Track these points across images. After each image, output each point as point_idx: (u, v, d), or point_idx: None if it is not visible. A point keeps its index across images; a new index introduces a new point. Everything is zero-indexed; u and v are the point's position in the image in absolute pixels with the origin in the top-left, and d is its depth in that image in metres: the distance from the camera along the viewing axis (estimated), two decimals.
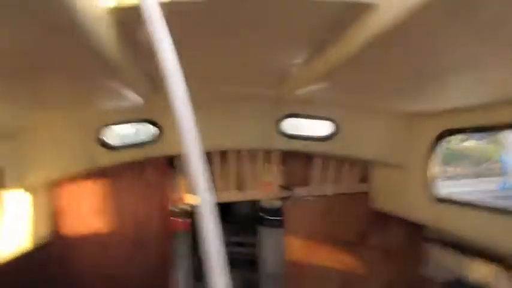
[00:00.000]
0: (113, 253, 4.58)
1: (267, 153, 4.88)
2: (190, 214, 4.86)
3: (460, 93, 3.21)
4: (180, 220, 4.89)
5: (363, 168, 5.00)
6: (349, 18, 2.05)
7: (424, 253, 4.86)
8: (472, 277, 4.11)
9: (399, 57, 2.41)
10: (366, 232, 5.00)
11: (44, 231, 4.39)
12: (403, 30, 1.90)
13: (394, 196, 4.67)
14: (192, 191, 1.27)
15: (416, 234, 4.88)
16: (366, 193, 5.02)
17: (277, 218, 5.37)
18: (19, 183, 3.81)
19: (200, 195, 1.27)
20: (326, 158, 4.94)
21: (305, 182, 5.01)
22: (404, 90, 3.35)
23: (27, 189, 3.90)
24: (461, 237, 3.76)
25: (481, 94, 3.12)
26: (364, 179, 5.03)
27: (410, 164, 4.26)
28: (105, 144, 4.27)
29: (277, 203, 5.23)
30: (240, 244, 8.31)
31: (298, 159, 4.99)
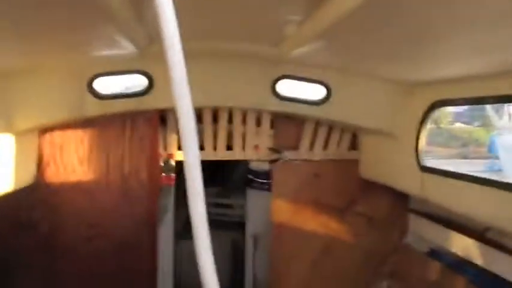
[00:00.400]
0: (98, 203, 4.56)
1: (259, 114, 4.85)
2: (178, 170, 4.84)
3: (455, 62, 3.17)
4: (166, 175, 4.88)
5: (353, 136, 5.00)
6: None
7: (408, 223, 4.94)
8: (452, 249, 4.19)
9: (396, 18, 2.35)
10: (352, 199, 5.03)
11: (29, 176, 4.36)
12: None
13: (382, 165, 4.68)
14: (180, 146, 1.27)
15: (402, 204, 4.94)
16: (354, 160, 5.03)
17: (266, 181, 5.39)
18: (5, 126, 3.75)
19: (187, 150, 1.28)
20: (317, 123, 4.92)
21: (295, 146, 5.00)
22: (399, 56, 3.30)
23: (13, 133, 3.83)
24: (444, 208, 3.78)
25: (477, 64, 3.07)
26: (353, 147, 5.03)
27: (400, 133, 4.24)
28: (95, 94, 4.19)
29: (266, 166, 5.24)
30: (228, 206, 8.38)
31: (289, 122, 4.97)
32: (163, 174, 4.84)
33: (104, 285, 4.56)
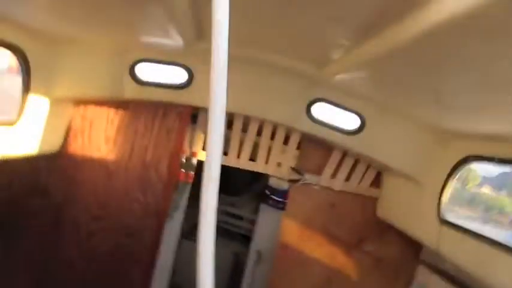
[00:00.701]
0: (114, 185, 4.57)
1: (288, 132, 4.81)
2: (198, 170, 4.83)
3: (496, 117, 3.06)
4: (185, 172, 4.88)
5: (377, 174, 4.90)
6: (404, 7, 1.94)
7: (415, 274, 4.78)
8: None
9: (445, 60, 2.29)
10: (363, 236, 4.92)
11: (55, 144, 4.42)
12: (457, 30, 1.78)
13: (401, 209, 4.56)
14: (205, 147, 1.31)
15: (413, 252, 4.79)
16: (374, 198, 4.93)
17: (281, 200, 5.33)
18: (44, 90, 3.82)
19: (210, 152, 1.27)
20: (345, 153, 4.85)
21: (317, 171, 4.93)
22: (439, 101, 3.22)
23: (50, 98, 3.89)
24: (458, 267, 3.64)
25: None
26: (375, 184, 4.93)
27: (426, 181, 4.13)
28: (135, 78, 4.24)
29: (285, 185, 5.18)
30: (238, 217, 8.33)
31: (316, 147, 4.91)
32: (182, 170, 4.84)
33: (102, 266, 4.55)
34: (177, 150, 4.62)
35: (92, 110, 4.57)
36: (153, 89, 4.38)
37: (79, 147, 4.56)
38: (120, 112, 4.59)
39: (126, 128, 4.59)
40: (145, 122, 4.60)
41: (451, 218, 3.81)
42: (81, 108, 4.56)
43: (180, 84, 4.34)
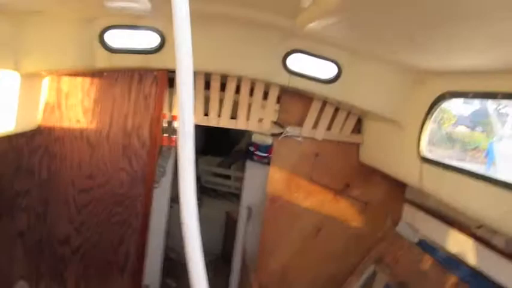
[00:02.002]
0: (98, 155, 4.46)
1: (267, 87, 4.71)
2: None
3: (471, 52, 2.99)
4: (167, 136, 4.78)
5: (358, 120, 4.87)
6: None
7: (401, 212, 4.85)
8: (442, 243, 4.11)
9: None
10: (348, 182, 4.93)
11: (33, 120, 4.26)
12: None
13: (383, 151, 4.56)
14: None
15: (397, 193, 4.84)
16: (356, 144, 4.92)
17: (266, 155, 5.30)
18: (13, 66, 3.63)
19: (182, 114, 1.23)
20: (324, 103, 4.79)
21: (299, 123, 4.88)
22: (414, 41, 3.13)
23: (20, 73, 3.71)
24: (440, 200, 3.67)
25: (493, 57, 2.90)
26: (356, 131, 4.91)
27: (405, 121, 4.11)
28: (105, 46, 4.06)
29: (268, 140, 5.13)
30: (227, 177, 8.33)
31: (295, 99, 4.84)
32: (165, 135, 4.74)
33: (95, 235, 4.50)
34: (157, 115, 4.50)
35: (66, 82, 4.40)
36: (125, 55, 4.21)
37: (57, 122, 4.41)
38: (95, 82, 4.42)
39: (103, 98, 4.44)
40: (121, 90, 4.44)
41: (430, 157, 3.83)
42: (55, 81, 4.38)
43: (152, 48, 4.18)
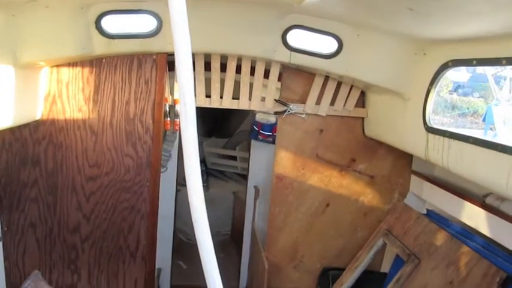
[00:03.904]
0: (103, 143, 4.35)
1: (268, 66, 4.56)
2: None
3: (472, 19, 2.84)
4: (170, 120, 4.66)
5: (361, 94, 4.73)
6: None
7: (409, 184, 4.76)
8: (450, 212, 4.03)
9: None
10: (354, 156, 4.82)
11: (35, 112, 4.14)
12: None
13: (388, 124, 4.44)
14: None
15: (404, 165, 4.74)
16: (360, 118, 4.78)
17: (270, 134, 5.20)
18: (11, 59, 3.49)
19: (183, 97, 1.21)
20: (326, 78, 4.64)
21: (302, 99, 4.73)
22: (413, 10, 2.98)
23: (18, 66, 3.57)
24: (447, 169, 3.57)
25: (495, 22, 2.76)
26: (360, 105, 4.77)
27: (409, 93, 3.96)
28: (102, 32, 3.90)
29: (272, 118, 5.01)
30: (233, 158, 8.24)
31: (297, 76, 4.69)
32: (167, 119, 4.62)
33: (104, 222, 4.43)
34: (159, 100, 4.37)
35: (66, 72, 4.26)
36: (123, 41, 4.06)
37: (60, 112, 4.29)
38: (95, 70, 4.28)
39: (103, 85, 4.30)
40: (121, 76, 4.30)
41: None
42: (54, 71, 4.24)
43: (150, 32, 4.02)
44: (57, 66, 4.23)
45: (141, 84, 4.31)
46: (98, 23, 3.87)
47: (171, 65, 4.45)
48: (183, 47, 1.19)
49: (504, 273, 3.11)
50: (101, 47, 3.98)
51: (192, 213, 1.26)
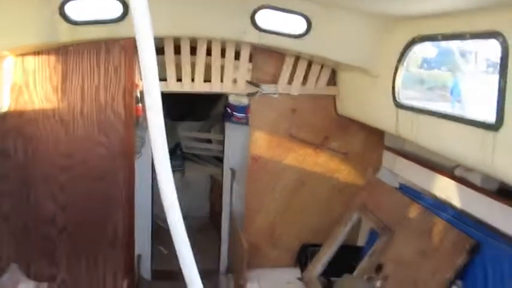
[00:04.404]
0: (74, 132, 4.25)
1: (238, 48, 4.51)
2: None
3: None
4: (141, 105, 4.57)
5: (332, 72, 4.74)
6: None
7: (381, 159, 4.83)
8: (421, 184, 4.11)
9: None
10: (327, 134, 4.85)
11: (1, 103, 4.01)
12: None
13: (359, 101, 4.47)
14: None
15: (376, 141, 4.80)
16: (332, 97, 4.80)
17: (244, 115, 5.16)
18: None
19: (147, 82, 1.20)
20: (297, 58, 4.63)
21: (273, 80, 4.72)
22: None
23: None
24: (417, 144, 3.64)
25: None
26: (331, 83, 4.78)
27: (378, 70, 4.00)
28: (67, 19, 3.77)
29: (245, 100, 4.97)
30: (208, 141, 8.17)
31: (268, 56, 4.67)
32: (139, 105, 4.53)
33: (81, 212, 4.35)
34: (130, 86, 4.28)
35: (31, 61, 4.11)
36: (89, 27, 3.94)
37: (28, 102, 4.16)
38: (61, 58, 4.15)
39: (71, 73, 4.18)
40: (89, 63, 4.18)
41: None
42: (19, 61, 4.09)
43: (116, 17, 3.91)
44: (22, 55, 4.09)
45: (110, 71, 4.21)
46: (61, 9, 3.74)
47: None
48: (145, 32, 1.18)
49: (473, 240, 3.21)
50: (66, 34, 3.85)
51: (162, 200, 1.26)
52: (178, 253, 1.30)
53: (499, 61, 2.66)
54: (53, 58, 4.13)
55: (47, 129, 4.20)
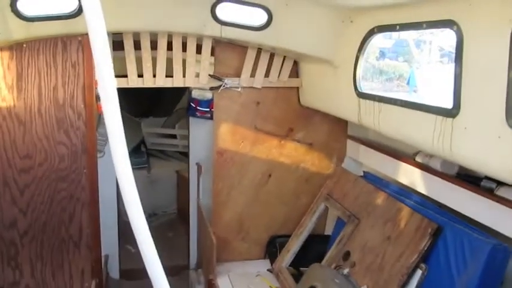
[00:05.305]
0: (32, 132, 4.05)
1: (199, 41, 4.42)
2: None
3: None
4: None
5: (294, 64, 4.72)
6: None
7: (345, 149, 4.87)
8: (384, 172, 4.17)
9: None
10: (292, 126, 4.84)
11: None
12: None
13: (321, 92, 4.48)
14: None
15: (340, 130, 4.83)
16: (295, 88, 4.79)
17: (208, 110, 5.09)
18: None
19: (101, 79, 1.17)
20: (259, 50, 4.59)
21: (236, 73, 4.66)
22: None
23: None
24: (379, 132, 3.68)
25: None
26: (294, 75, 4.77)
27: (339, 60, 4.01)
28: (19, 15, 3.59)
29: (208, 94, 4.90)
30: (172, 136, 8.04)
31: (230, 49, 4.60)
32: (99, 102, 4.37)
33: (43, 214, 4.18)
34: (89, 83, 4.12)
35: None
36: (44, 23, 3.76)
37: None
38: (16, 55, 3.94)
39: (26, 71, 3.98)
40: (45, 60, 3.99)
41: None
42: None
43: (72, 12, 3.75)
44: None
45: (68, 68, 4.04)
46: (13, 5, 3.55)
47: None
48: (97, 27, 1.10)
49: (435, 224, 3.28)
50: (19, 31, 3.66)
51: (123, 198, 1.22)
52: (141, 252, 1.27)
53: (453, 50, 2.72)
54: (6, 55, 3.92)
55: (3, 130, 4.00)
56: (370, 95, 3.65)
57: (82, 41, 4.00)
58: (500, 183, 2.91)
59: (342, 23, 3.84)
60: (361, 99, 3.73)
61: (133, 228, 1.24)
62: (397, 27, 3.44)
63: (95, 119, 4.29)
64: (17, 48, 3.93)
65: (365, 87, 3.85)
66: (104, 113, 1.17)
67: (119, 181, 1.20)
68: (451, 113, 2.72)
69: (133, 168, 1.27)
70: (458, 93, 2.65)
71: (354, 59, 3.76)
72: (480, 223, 3.05)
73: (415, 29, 3.58)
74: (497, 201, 2.89)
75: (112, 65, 1.18)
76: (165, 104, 8.21)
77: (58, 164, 4.13)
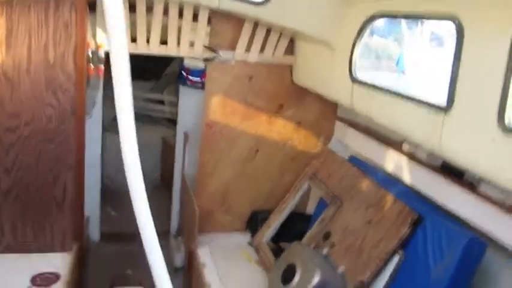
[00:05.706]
0: (20, 91, 3.93)
1: (196, 10, 4.31)
2: (106, 61, 4.29)
3: None
4: (94, 66, 4.31)
5: (290, 41, 4.66)
6: None
7: (334, 130, 4.90)
8: (370, 156, 4.23)
9: None
10: (282, 103, 4.83)
11: None
12: None
13: (315, 72, 4.45)
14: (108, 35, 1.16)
15: (330, 111, 4.85)
16: (289, 66, 4.75)
17: (199, 80, 5.04)
18: None
19: (114, 40, 1.16)
20: (256, 25, 4.51)
21: (231, 46, 4.58)
22: None
23: None
24: (369, 118, 3.70)
25: None
26: (289, 52, 4.72)
27: (337, 43, 3.98)
28: None
29: (201, 65, 4.83)
30: (160, 102, 7.93)
31: (227, 21, 4.51)
32: (91, 65, 4.27)
33: (27, 174, 4.11)
34: (81, 45, 3.99)
35: None
36: None
37: None
38: (5, 11, 3.77)
39: (16, 29, 3.82)
40: (37, 18, 3.84)
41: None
42: None
43: None
44: None
45: (59, 28, 3.90)
46: None
47: (91, 6, 4.07)
48: None
49: (416, 214, 3.36)
50: None
51: (124, 162, 1.25)
52: (136, 214, 1.31)
53: (444, 36, 2.72)
54: None
55: None
56: (365, 82, 3.66)
57: (75, 0, 3.86)
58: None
59: (344, 5, 3.80)
60: (355, 85, 3.73)
61: (130, 191, 1.28)
62: (399, 15, 3.43)
63: (85, 81, 4.19)
64: (7, 4, 3.76)
65: (357, 65, 3.84)
66: (114, 79, 1.20)
67: (122, 145, 1.24)
68: (444, 108, 2.74)
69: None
70: (453, 90, 2.67)
71: (352, 44, 3.74)
72: (460, 216, 3.15)
73: (416, 18, 3.57)
74: (479, 196, 2.98)
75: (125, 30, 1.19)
76: (153, 67, 8.05)
77: (45, 125, 4.05)
